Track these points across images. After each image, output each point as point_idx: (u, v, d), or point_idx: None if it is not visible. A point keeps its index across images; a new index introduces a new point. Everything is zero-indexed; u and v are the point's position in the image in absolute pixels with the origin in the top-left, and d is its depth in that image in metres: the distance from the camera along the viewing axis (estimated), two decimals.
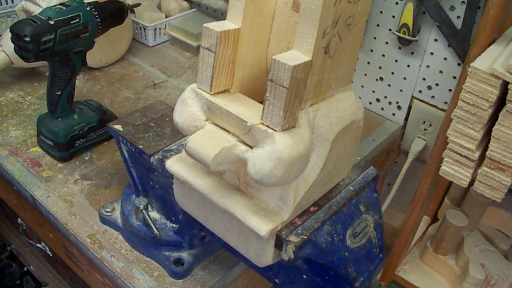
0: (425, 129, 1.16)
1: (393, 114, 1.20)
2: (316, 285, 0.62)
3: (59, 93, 0.90)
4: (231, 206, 0.54)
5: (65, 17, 0.83)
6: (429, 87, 1.11)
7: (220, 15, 1.43)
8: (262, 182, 0.47)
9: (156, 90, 1.21)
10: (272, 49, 0.56)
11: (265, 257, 0.55)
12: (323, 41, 0.46)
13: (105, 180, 0.92)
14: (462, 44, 1.00)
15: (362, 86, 1.22)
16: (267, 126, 0.47)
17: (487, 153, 0.79)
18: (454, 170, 0.86)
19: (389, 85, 1.17)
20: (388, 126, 1.18)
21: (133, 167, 0.76)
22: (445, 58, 1.05)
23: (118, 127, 0.74)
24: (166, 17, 1.42)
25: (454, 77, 1.05)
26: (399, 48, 1.11)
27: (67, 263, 0.95)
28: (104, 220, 0.82)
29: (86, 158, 0.97)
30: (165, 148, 0.70)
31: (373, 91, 1.20)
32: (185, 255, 0.75)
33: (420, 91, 1.13)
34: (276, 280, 0.63)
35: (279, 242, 0.53)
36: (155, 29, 1.38)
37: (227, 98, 0.52)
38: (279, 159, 0.45)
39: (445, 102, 1.09)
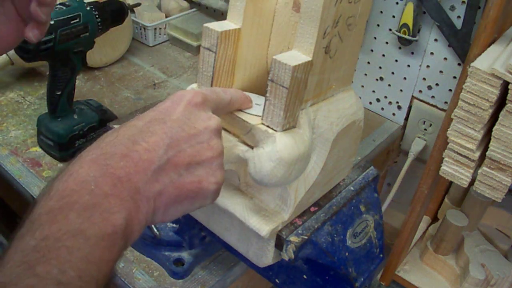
0: (425, 129, 1.16)
1: (393, 114, 1.20)
2: (316, 285, 0.62)
3: (59, 93, 0.90)
4: (231, 206, 0.54)
5: (65, 17, 0.83)
6: (429, 87, 1.11)
7: (220, 15, 1.43)
8: (263, 182, 0.47)
9: (156, 90, 1.21)
10: (273, 49, 0.56)
11: (265, 257, 0.55)
12: (323, 41, 0.46)
13: None
14: (462, 44, 0.99)
15: (362, 86, 1.22)
16: (268, 126, 0.47)
17: (487, 153, 0.79)
18: (454, 170, 0.86)
19: (389, 85, 1.17)
20: (388, 126, 1.18)
21: None
22: (445, 58, 1.05)
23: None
24: (166, 17, 1.42)
25: (454, 77, 1.05)
26: (399, 48, 1.11)
27: None
28: None
29: None
30: None
31: (373, 91, 1.20)
32: (185, 255, 0.75)
33: (420, 91, 1.13)
34: (276, 280, 0.63)
35: (280, 242, 0.53)
36: (155, 29, 1.38)
37: None
38: (279, 159, 0.45)
39: (445, 102, 1.09)
